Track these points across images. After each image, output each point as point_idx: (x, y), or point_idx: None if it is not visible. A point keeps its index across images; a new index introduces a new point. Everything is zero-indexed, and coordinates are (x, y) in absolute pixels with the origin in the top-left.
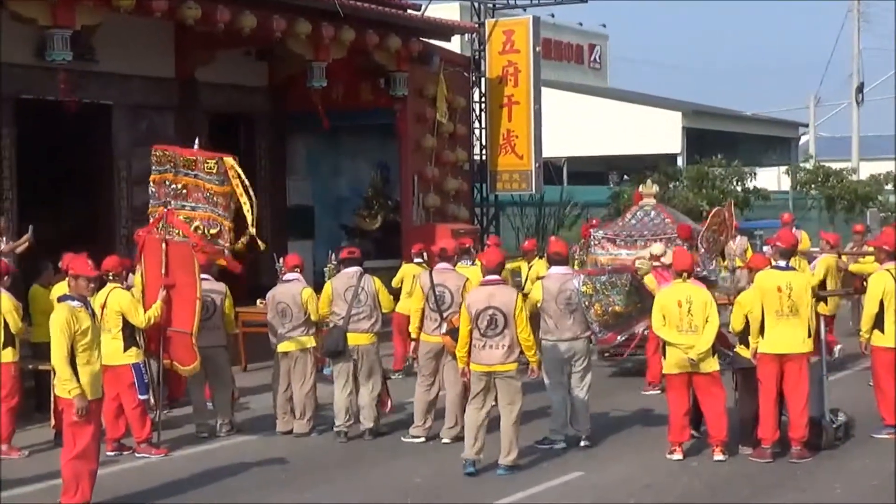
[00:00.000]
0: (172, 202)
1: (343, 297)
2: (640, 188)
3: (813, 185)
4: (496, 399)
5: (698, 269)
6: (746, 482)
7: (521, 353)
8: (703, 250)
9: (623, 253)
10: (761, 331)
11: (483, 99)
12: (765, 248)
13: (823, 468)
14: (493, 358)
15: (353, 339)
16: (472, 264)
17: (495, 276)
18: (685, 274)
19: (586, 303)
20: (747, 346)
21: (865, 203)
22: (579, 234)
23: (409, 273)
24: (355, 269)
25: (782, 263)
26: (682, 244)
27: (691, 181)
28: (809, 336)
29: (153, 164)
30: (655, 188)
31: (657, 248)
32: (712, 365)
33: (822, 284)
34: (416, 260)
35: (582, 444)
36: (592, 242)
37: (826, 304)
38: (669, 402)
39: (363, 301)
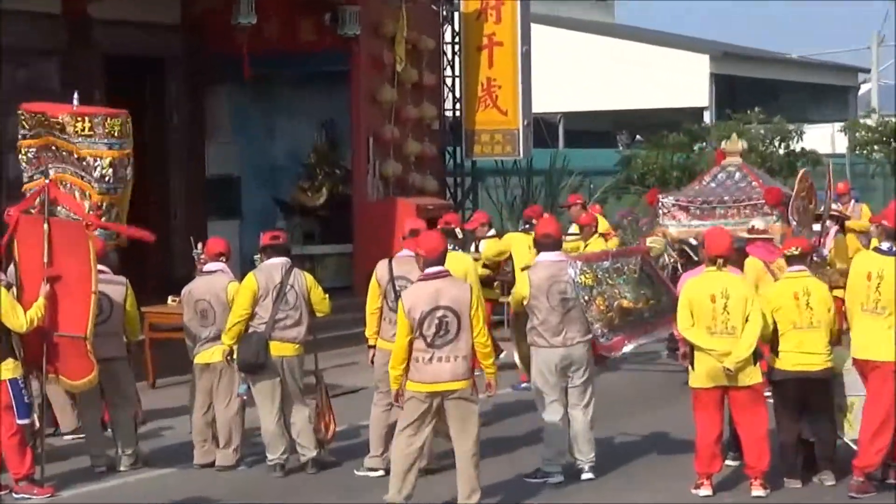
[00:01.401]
0: (52, 170)
1: (266, 297)
2: (724, 145)
3: (876, 146)
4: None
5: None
6: None
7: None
8: (794, 223)
9: (698, 224)
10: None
11: (457, 39)
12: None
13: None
14: (443, 374)
15: (278, 350)
16: (455, 249)
17: (439, 268)
18: (721, 260)
19: (586, 297)
20: (777, 353)
21: None
22: (644, 203)
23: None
24: (281, 261)
25: (885, 246)
26: (772, 212)
27: (722, 141)
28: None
29: (20, 128)
30: (742, 144)
31: (759, 223)
32: (754, 377)
33: None
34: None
35: (584, 476)
36: (661, 211)
37: None
38: (697, 424)
39: (291, 302)
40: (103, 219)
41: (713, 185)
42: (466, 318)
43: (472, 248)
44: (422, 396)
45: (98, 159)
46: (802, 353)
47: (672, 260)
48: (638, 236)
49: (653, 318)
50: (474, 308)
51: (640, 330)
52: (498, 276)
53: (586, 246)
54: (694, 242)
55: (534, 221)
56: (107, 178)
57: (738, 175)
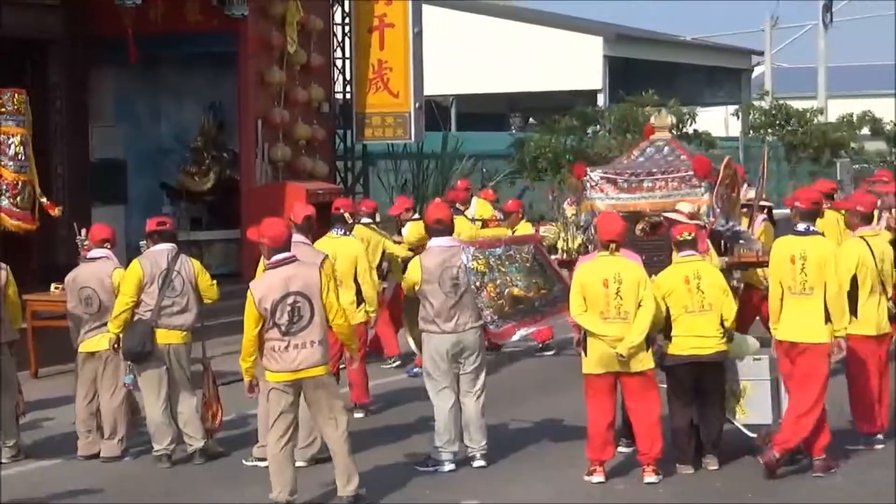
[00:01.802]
0: None
1: (152, 284)
2: (652, 120)
3: (770, 129)
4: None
5: (722, 225)
6: None
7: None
8: (718, 209)
9: (627, 197)
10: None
11: (347, 20)
12: None
13: (786, 487)
14: (302, 360)
15: (163, 338)
16: (346, 234)
17: (286, 254)
18: (613, 245)
19: (477, 283)
20: (669, 339)
21: (836, 152)
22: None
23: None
24: (168, 247)
25: (801, 227)
26: (700, 184)
27: (615, 125)
28: (827, 322)
29: None
30: (671, 119)
31: (684, 206)
32: (646, 363)
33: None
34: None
35: (476, 464)
36: (588, 185)
37: None
38: (590, 410)
39: (178, 289)
40: (18, 199)
41: (641, 159)
42: (318, 301)
43: (396, 232)
44: (282, 386)
45: (10, 137)
46: (695, 337)
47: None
48: (562, 216)
49: (544, 308)
50: (325, 291)
51: (530, 319)
52: None
53: (514, 232)
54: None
55: (458, 206)
56: (19, 157)
57: (666, 149)
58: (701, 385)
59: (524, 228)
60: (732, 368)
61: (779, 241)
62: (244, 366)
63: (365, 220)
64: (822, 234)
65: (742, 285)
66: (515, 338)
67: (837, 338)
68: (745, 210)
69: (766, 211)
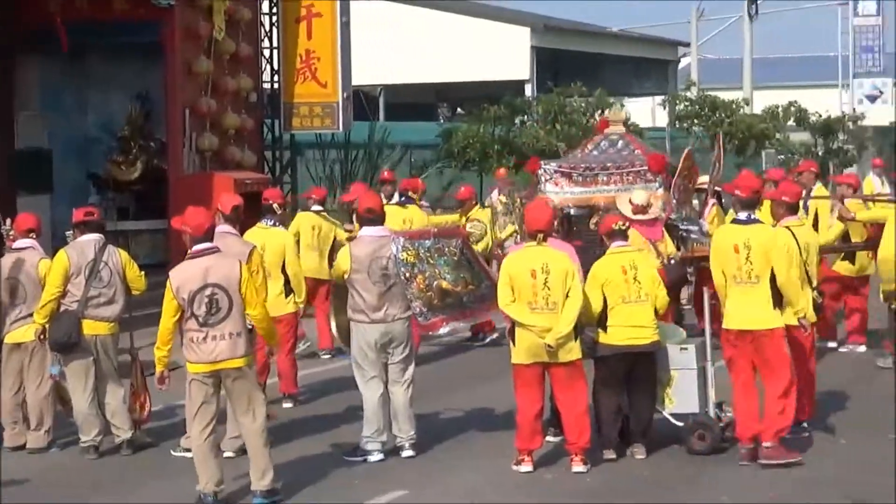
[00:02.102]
0: None
1: (78, 274)
2: (607, 114)
3: (696, 120)
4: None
5: (678, 219)
6: (611, 496)
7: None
8: (674, 201)
9: (580, 191)
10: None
11: (275, 10)
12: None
13: (708, 476)
14: (220, 352)
15: (90, 329)
16: (275, 225)
17: (207, 245)
18: (541, 235)
19: (407, 274)
20: (605, 329)
21: (761, 143)
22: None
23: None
24: (95, 238)
25: (743, 216)
26: (655, 179)
27: (543, 115)
28: (776, 307)
29: None
30: (625, 113)
31: (639, 195)
32: (574, 353)
33: (845, 238)
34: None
35: (405, 454)
36: (543, 178)
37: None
38: (518, 400)
39: (105, 280)
40: None
41: (595, 152)
42: (237, 294)
43: (348, 220)
44: (201, 377)
45: None
46: (631, 327)
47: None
48: (515, 209)
49: (472, 304)
50: (245, 284)
51: (458, 314)
52: None
53: (467, 220)
54: (573, 211)
55: (410, 194)
56: None
57: (620, 143)
58: (633, 374)
59: (479, 215)
60: (664, 357)
61: (721, 231)
62: (158, 354)
63: (315, 206)
64: (763, 222)
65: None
66: (443, 331)
67: (801, 320)
68: (695, 193)
69: (716, 196)
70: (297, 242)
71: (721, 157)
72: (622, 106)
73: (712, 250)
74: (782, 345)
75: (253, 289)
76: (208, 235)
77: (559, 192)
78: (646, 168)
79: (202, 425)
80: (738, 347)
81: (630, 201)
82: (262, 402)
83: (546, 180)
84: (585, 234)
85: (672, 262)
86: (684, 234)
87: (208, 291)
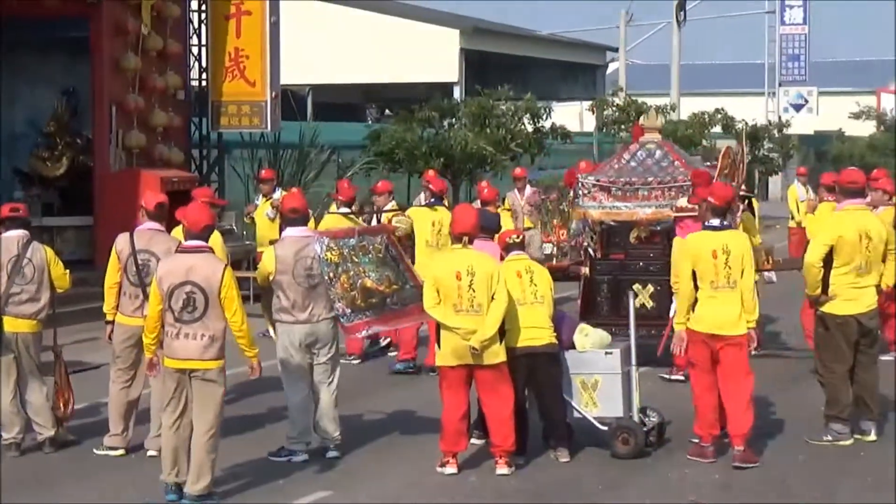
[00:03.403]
0: None
1: (1, 270)
2: (641, 121)
3: (623, 126)
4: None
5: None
6: (535, 498)
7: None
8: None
9: (621, 206)
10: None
11: (203, 7)
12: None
13: (632, 480)
14: (190, 350)
15: (12, 326)
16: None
17: (198, 243)
18: (466, 238)
19: (331, 274)
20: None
21: (687, 148)
22: (562, 181)
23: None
24: (19, 234)
25: (716, 222)
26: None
27: (471, 118)
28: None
29: None
30: (661, 120)
31: (683, 201)
32: (499, 355)
33: None
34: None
35: (329, 454)
36: (581, 192)
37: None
38: (444, 402)
39: (29, 276)
40: None
41: (633, 163)
42: (216, 297)
43: (374, 220)
44: (172, 371)
45: None
46: (529, 329)
47: (589, 241)
48: (553, 216)
49: (397, 306)
50: (226, 288)
51: (382, 316)
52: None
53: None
54: (614, 224)
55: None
56: None
57: (658, 153)
58: (536, 377)
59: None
60: (582, 361)
61: (696, 237)
62: (146, 341)
63: (343, 209)
64: (734, 228)
65: None
66: (364, 334)
67: (750, 329)
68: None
69: (745, 202)
70: None
71: (744, 161)
72: (656, 111)
73: (687, 255)
74: (745, 352)
75: (234, 295)
76: (203, 234)
77: (597, 206)
78: (689, 183)
79: (170, 418)
80: (705, 350)
81: (676, 207)
82: (217, 411)
83: (584, 194)
84: (628, 248)
85: None
86: None
87: (187, 288)
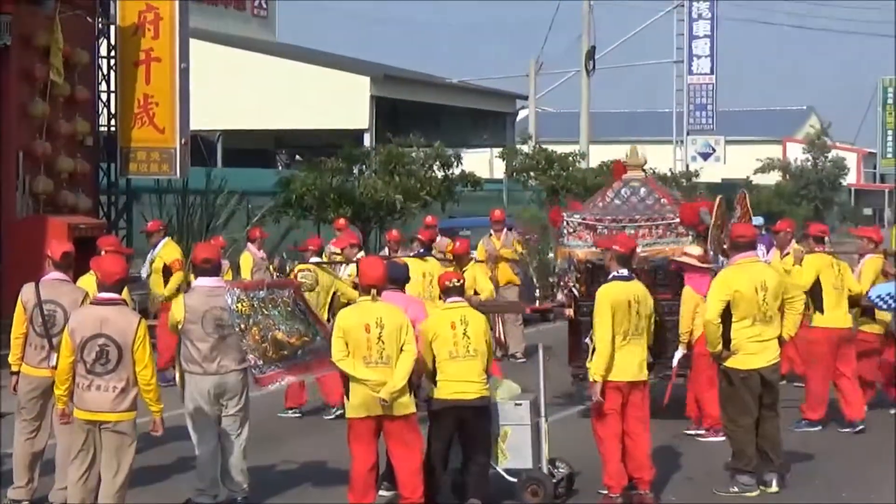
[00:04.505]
0: None
1: None
2: (625, 158)
3: (532, 173)
4: None
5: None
6: None
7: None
8: (711, 252)
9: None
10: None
11: (113, 53)
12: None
13: None
14: (101, 403)
15: None
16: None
17: (112, 295)
18: (374, 290)
19: (242, 325)
20: (435, 383)
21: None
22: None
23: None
24: None
25: (625, 272)
26: (687, 233)
27: (382, 166)
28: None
29: None
30: (644, 157)
31: (695, 249)
32: (408, 407)
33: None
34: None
35: None
36: (566, 231)
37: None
38: (353, 454)
39: None
40: None
41: (617, 201)
42: (128, 351)
43: (343, 269)
44: (82, 423)
45: None
46: (459, 382)
47: (574, 281)
48: (535, 255)
49: (308, 358)
50: (140, 342)
51: (294, 367)
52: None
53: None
54: (599, 262)
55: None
56: None
57: (643, 191)
58: (465, 430)
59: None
60: (496, 413)
61: (609, 288)
62: (57, 392)
63: (314, 258)
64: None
65: None
66: (276, 386)
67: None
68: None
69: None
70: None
71: (749, 210)
72: (635, 150)
73: (608, 306)
74: (647, 394)
75: (146, 349)
76: (115, 286)
77: (582, 245)
78: (677, 221)
79: (77, 472)
80: (618, 399)
81: (687, 254)
82: (128, 460)
83: (569, 233)
84: None
85: None
86: None
87: (101, 341)
